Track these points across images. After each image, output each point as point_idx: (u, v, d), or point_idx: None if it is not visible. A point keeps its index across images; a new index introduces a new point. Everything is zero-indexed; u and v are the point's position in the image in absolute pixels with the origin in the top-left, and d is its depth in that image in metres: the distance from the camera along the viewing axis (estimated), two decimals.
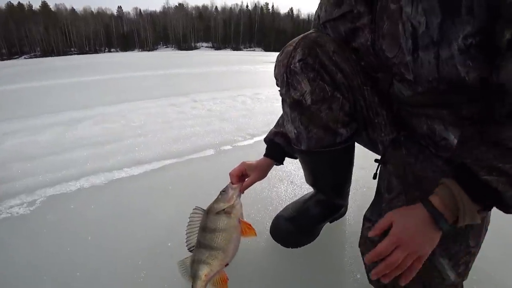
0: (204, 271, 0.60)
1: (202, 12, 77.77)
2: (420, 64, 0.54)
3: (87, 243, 0.91)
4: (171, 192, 1.22)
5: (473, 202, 0.48)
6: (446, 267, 0.59)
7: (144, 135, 1.86)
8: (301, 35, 0.72)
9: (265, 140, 0.94)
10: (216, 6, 78.86)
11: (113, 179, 1.31)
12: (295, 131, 0.77)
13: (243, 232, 0.67)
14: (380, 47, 0.60)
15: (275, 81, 0.79)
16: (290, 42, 0.73)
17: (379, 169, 0.75)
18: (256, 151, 1.63)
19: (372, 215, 0.70)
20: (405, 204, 0.61)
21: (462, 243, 0.59)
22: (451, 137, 0.61)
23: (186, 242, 0.65)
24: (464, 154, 0.52)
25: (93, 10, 73.01)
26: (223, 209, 0.65)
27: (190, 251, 0.64)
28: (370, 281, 0.68)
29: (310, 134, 0.75)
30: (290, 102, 0.73)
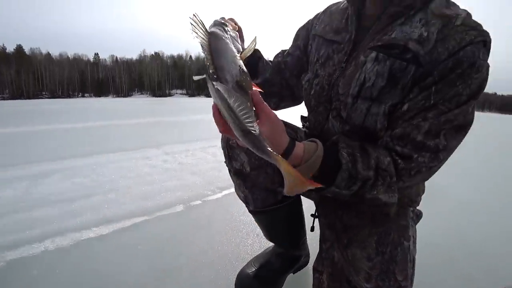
0: None
1: (177, 61, 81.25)
2: (354, 108, 0.69)
3: None
4: (141, 251, 1.24)
5: (320, 165, 0.58)
6: None
7: (115, 190, 1.88)
8: None
9: None
10: (190, 55, 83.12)
11: (80, 239, 1.30)
12: (243, 195, 0.89)
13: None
14: (338, 82, 0.71)
15: None
16: None
17: (314, 222, 0.86)
18: (225, 204, 1.72)
19: (318, 265, 0.80)
20: (340, 253, 0.73)
21: (390, 279, 0.67)
22: None
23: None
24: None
25: (69, 56, 73.34)
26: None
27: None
28: None
29: (254, 196, 0.86)
30: (234, 171, 0.86)
